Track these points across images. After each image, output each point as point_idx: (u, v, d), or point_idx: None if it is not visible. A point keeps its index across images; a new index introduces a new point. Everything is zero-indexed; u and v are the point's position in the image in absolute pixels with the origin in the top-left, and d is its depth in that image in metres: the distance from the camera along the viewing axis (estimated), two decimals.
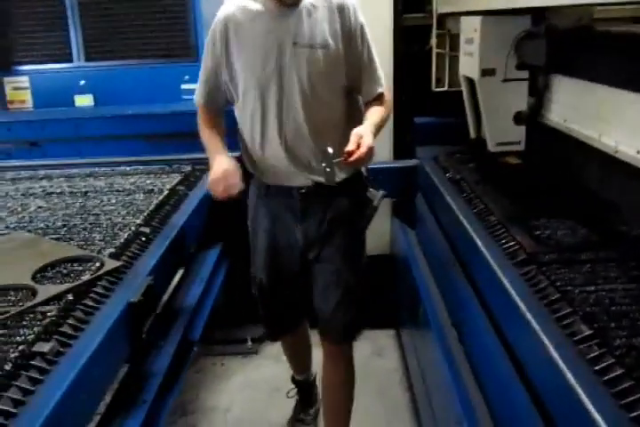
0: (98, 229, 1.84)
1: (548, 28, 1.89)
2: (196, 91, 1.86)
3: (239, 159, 1.85)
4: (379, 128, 1.73)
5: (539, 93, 2.02)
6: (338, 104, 1.79)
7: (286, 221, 1.86)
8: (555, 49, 1.86)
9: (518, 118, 2.13)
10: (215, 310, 2.24)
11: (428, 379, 1.97)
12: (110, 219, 1.93)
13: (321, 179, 1.66)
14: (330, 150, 1.54)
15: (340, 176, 1.76)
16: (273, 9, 1.70)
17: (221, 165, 1.71)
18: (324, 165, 1.56)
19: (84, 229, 1.84)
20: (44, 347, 1.16)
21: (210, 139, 1.83)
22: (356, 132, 1.58)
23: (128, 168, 2.62)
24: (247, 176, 1.85)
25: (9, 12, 3.19)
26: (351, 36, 1.73)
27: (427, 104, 2.83)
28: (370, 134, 1.59)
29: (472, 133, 2.41)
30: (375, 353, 2.78)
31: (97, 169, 2.61)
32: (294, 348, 2.32)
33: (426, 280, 2.14)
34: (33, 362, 1.13)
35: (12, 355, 1.13)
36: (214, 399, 2.57)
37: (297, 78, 1.69)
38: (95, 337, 1.27)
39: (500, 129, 2.17)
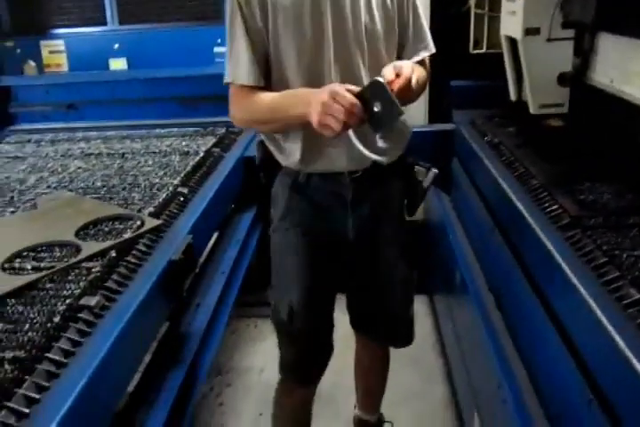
0: (136, 189, 1.85)
1: None
2: (235, 68, 1.43)
3: (264, 147, 1.59)
4: (418, 82, 1.36)
5: (585, 53, 1.94)
6: (388, 53, 1.50)
7: (333, 213, 1.54)
8: (604, 5, 1.79)
9: (562, 79, 2.06)
10: (249, 272, 2.25)
11: (465, 345, 1.97)
12: (148, 179, 1.94)
13: (379, 158, 1.28)
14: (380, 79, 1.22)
15: (393, 154, 1.54)
16: None
17: (324, 90, 1.24)
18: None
19: (123, 189, 1.86)
20: (91, 301, 1.18)
21: (276, 97, 1.41)
22: (393, 63, 1.30)
23: (163, 131, 2.63)
24: (271, 169, 1.59)
25: None
26: None
27: (464, 67, 2.76)
28: (409, 67, 1.27)
29: (512, 96, 2.34)
30: None
31: (133, 131, 2.63)
32: (302, 412, 1.84)
33: (462, 246, 2.12)
34: (80, 315, 1.15)
35: (61, 308, 1.15)
36: (248, 360, 2.62)
37: (354, 35, 1.41)
38: (139, 293, 1.29)
39: (543, 90, 2.11)
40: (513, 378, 1.38)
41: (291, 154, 1.50)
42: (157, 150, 2.31)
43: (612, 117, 1.85)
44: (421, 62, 1.54)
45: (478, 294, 1.78)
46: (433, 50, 1.56)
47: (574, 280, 1.21)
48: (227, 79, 1.45)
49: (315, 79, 1.40)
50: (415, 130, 2.56)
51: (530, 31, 2.05)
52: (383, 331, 1.76)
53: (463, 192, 2.33)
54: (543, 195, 1.62)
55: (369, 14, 1.42)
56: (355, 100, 1.20)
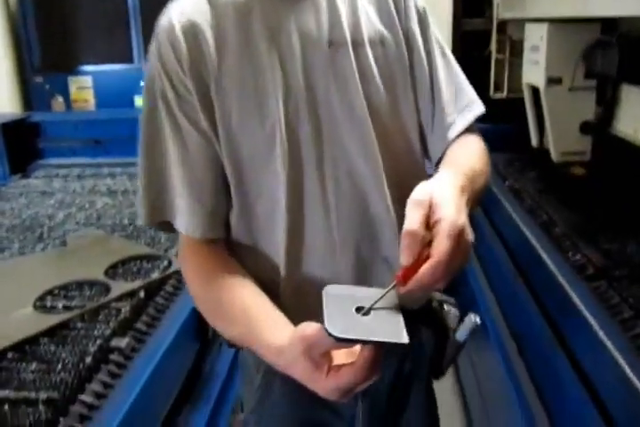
0: None
1: (621, 37, 1.85)
2: (173, 214, 0.88)
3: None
4: (475, 191, 0.81)
5: (607, 103, 1.98)
6: (414, 143, 0.95)
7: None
8: (627, 58, 1.83)
9: (585, 128, 2.09)
10: None
11: (485, 392, 1.95)
12: None
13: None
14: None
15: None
16: None
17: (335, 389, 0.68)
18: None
19: (150, 228, 1.88)
20: (121, 342, 1.20)
21: (253, 315, 0.82)
22: (416, 200, 0.65)
23: None
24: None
25: (73, 15, 3.29)
26: (410, 27, 0.92)
27: (485, 111, 2.80)
28: (453, 205, 0.66)
29: (534, 142, 2.38)
30: None
31: None
32: None
33: (484, 291, 2.12)
34: (111, 356, 1.17)
35: (92, 349, 1.17)
36: None
37: (346, 101, 0.86)
38: (167, 335, 1.31)
39: (565, 138, 2.14)
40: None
41: None
42: None
43: (634, 167, 1.87)
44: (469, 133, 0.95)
45: (500, 340, 1.78)
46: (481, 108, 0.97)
47: (600, 334, 1.21)
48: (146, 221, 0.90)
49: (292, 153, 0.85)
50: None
51: (552, 80, 2.09)
52: None
53: (484, 237, 2.34)
54: (567, 244, 1.63)
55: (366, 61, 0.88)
56: (361, 364, 0.64)
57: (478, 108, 0.97)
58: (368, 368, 0.64)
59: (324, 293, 0.67)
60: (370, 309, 0.65)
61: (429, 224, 0.64)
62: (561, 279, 1.46)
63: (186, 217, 0.86)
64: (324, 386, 0.68)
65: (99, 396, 1.07)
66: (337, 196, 0.87)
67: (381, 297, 0.65)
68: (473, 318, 0.82)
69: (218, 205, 0.88)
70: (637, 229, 1.63)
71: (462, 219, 0.65)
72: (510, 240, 2.02)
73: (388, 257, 0.90)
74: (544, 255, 1.61)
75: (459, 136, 0.93)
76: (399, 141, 0.92)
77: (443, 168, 0.85)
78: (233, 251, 0.91)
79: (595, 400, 1.19)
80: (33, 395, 1.04)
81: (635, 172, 1.87)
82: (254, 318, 0.81)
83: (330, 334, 0.61)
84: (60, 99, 3.31)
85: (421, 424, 1.08)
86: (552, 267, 1.54)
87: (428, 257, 0.62)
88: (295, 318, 0.77)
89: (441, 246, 0.62)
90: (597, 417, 1.15)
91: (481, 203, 2.55)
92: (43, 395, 1.04)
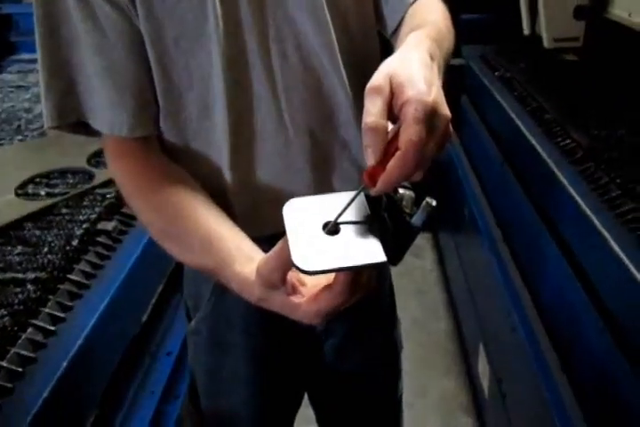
0: None
1: None
2: (90, 111, 0.75)
3: None
4: (444, 55, 0.70)
5: None
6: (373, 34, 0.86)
7: None
8: None
9: (579, 12, 2.01)
10: None
11: (471, 278, 2.00)
12: None
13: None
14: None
15: None
16: None
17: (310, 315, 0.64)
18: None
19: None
20: (108, 226, 1.19)
21: (208, 230, 0.73)
22: (373, 87, 0.55)
23: None
24: None
25: None
26: None
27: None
28: (421, 81, 0.55)
29: (526, 30, 2.29)
30: (412, 253, 2.82)
31: None
32: None
33: (470, 181, 2.12)
34: (99, 239, 1.16)
35: (78, 232, 1.16)
36: None
37: None
38: None
39: (558, 24, 2.06)
40: (521, 307, 1.41)
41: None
42: None
43: (628, 52, 1.81)
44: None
45: (487, 228, 1.80)
46: None
47: (588, 212, 1.21)
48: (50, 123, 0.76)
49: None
50: None
51: None
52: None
53: (472, 129, 2.31)
54: (556, 129, 1.61)
55: None
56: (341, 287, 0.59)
57: None
58: (348, 291, 0.59)
59: (284, 213, 0.58)
60: (337, 223, 0.57)
61: (395, 112, 0.55)
62: (550, 163, 1.45)
63: (108, 114, 0.73)
64: (302, 314, 0.62)
65: (88, 276, 1.07)
66: (285, 74, 0.76)
67: (347, 205, 0.57)
68: (429, 201, 0.76)
69: (144, 99, 0.75)
70: (628, 114, 1.61)
71: (433, 95, 0.54)
72: (499, 130, 1.99)
73: (348, 142, 0.83)
74: (533, 141, 1.60)
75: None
76: (351, 8, 0.80)
77: (404, 34, 0.73)
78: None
79: (579, 275, 1.21)
80: (20, 275, 1.04)
81: (628, 56, 1.81)
82: (220, 247, 0.70)
83: (299, 269, 0.54)
84: None
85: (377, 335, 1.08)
86: (541, 151, 1.53)
87: (397, 149, 0.53)
88: (248, 225, 0.74)
89: (408, 134, 0.52)
90: (583, 294, 1.18)
91: (469, 94, 2.50)
92: (30, 275, 1.04)
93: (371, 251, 0.55)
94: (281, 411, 1.06)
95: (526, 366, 1.31)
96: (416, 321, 2.38)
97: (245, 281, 0.66)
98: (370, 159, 0.54)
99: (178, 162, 0.79)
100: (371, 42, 0.85)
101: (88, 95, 0.74)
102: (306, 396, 1.13)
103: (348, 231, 0.57)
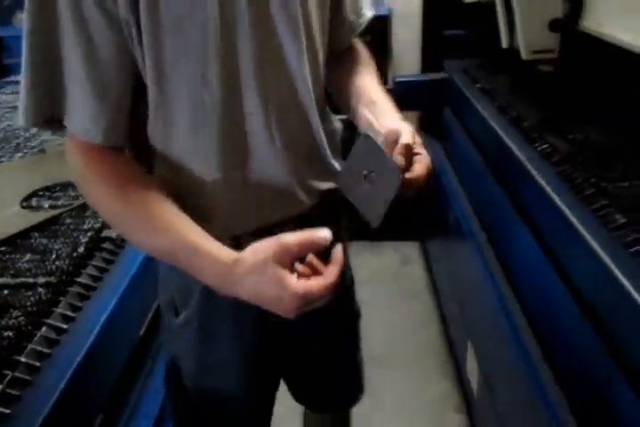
0: None
1: None
2: (73, 117, 0.81)
3: None
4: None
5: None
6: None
7: None
8: None
9: (554, 25, 2.10)
10: None
11: (458, 282, 2.07)
12: None
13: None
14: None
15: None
16: None
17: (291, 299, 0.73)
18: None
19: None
20: (112, 233, 1.25)
21: (173, 225, 0.81)
22: (391, 129, 0.85)
23: None
24: None
25: None
26: None
27: (457, 16, 2.79)
28: (414, 134, 0.88)
29: (504, 43, 2.38)
30: (401, 261, 2.89)
31: None
32: None
33: (455, 189, 2.20)
34: (104, 246, 1.22)
35: (83, 240, 1.22)
36: None
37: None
38: None
39: (534, 36, 2.15)
40: (506, 303, 1.48)
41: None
42: None
43: (598, 62, 1.91)
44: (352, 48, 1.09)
45: (472, 232, 1.87)
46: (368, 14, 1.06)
47: (564, 210, 1.29)
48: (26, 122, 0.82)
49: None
50: (408, 79, 2.65)
51: None
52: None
53: (455, 139, 2.40)
54: (534, 135, 1.69)
55: None
56: (332, 280, 0.72)
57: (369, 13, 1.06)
58: (335, 284, 0.72)
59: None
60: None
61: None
62: (529, 166, 1.53)
63: (88, 120, 0.79)
64: (291, 292, 0.70)
65: (95, 279, 1.13)
66: (267, 83, 0.85)
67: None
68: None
69: (122, 111, 0.81)
70: (600, 120, 1.69)
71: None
72: (481, 139, 2.07)
73: (319, 146, 0.97)
74: (513, 147, 1.68)
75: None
76: (319, 52, 0.93)
77: (385, 107, 0.96)
78: (147, 162, 0.89)
79: (561, 274, 1.28)
80: (31, 280, 1.10)
81: (600, 66, 1.91)
82: (194, 239, 0.78)
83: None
84: (21, 14, 3.19)
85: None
86: (520, 156, 1.61)
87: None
88: (232, 221, 0.89)
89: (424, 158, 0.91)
90: (562, 286, 1.25)
91: (451, 106, 2.57)
92: (41, 280, 1.10)
93: (375, 213, 0.83)
94: (266, 390, 1.16)
95: (513, 363, 1.37)
96: (406, 325, 2.44)
97: (219, 260, 0.76)
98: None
99: (165, 164, 0.88)
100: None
101: (72, 100, 0.79)
102: None
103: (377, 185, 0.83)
